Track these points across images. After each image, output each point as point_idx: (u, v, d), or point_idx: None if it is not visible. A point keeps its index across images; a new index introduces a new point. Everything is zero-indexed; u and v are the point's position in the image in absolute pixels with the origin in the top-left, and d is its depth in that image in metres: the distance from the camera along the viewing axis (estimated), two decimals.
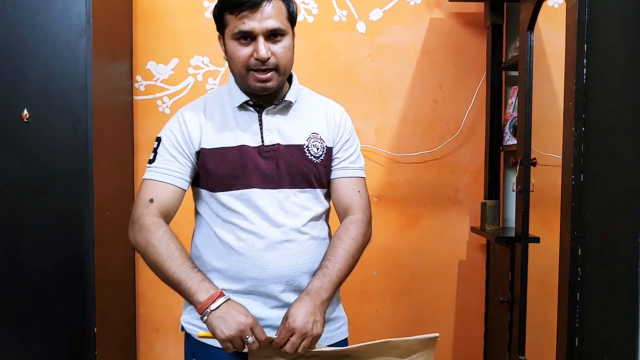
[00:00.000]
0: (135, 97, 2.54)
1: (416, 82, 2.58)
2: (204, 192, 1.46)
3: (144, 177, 1.43)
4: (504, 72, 2.49)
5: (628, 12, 1.46)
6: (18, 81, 2.02)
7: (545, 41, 2.53)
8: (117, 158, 2.38)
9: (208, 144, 1.42)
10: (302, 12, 2.52)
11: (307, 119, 1.48)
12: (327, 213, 1.54)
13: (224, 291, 1.32)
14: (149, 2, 2.52)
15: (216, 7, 1.39)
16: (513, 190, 2.32)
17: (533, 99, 2.05)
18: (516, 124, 2.26)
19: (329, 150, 1.48)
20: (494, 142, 2.46)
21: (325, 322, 1.34)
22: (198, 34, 2.53)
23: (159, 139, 1.45)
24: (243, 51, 1.35)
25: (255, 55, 1.34)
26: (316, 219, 1.47)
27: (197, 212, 1.53)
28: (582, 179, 1.46)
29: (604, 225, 1.48)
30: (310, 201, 1.46)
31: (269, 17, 1.32)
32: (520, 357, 2.08)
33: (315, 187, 1.46)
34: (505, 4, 2.42)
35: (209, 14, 2.53)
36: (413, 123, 2.58)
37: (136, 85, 2.54)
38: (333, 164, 1.50)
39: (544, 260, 2.32)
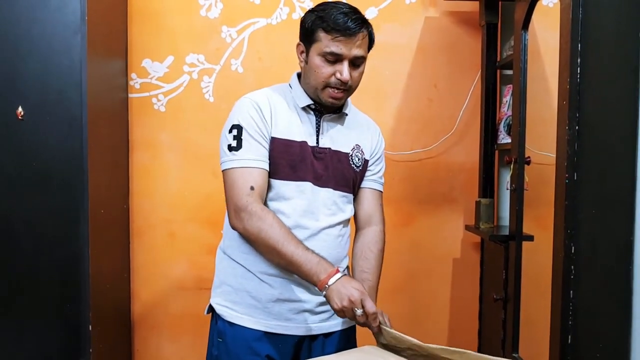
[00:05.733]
0: (130, 95, 2.54)
1: (411, 81, 2.58)
2: None
3: (233, 167, 1.47)
4: (498, 71, 2.50)
5: (621, 11, 1.47)
6: (13, 78, 2.01)
7: (540, 40, 2.53)
8: (112, 156, 2.37)
9: (276, 134, 1.51)
10: (298, 10, 2.52)
11: (354, 131, 1.63)
12: (350, 221, 1.67)
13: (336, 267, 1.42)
14: None
15: (310, 20, 1.48)
16: (507, 189, 2.32)
17: (527, 97, 2.06)
18: (511, 122, 2.27)
19: (366, 162, 1.64)
20: (488, 140, 2.47)
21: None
22: (193, 31, 2.53)
23: (238, 127, 1.49)
24: (327, 69, 1.47)
25: (338, 75, 1.47)
26: (345, 222, 1.62)
27: None
28: (575, 178, 1.47)
29: (598, 223, 1.49)
30: (345, 204, 1.60)
31: (359, 46, 1.46)
32: (514, 355, 2.09)
33: (351, 192, 1.62)
34: (500, 3, 2.43)
35: (204, 12, 2.52)
36: (408, 121, 2.59)
37: (131, 82, 2.54)
38: (366, 174, 1.65)
39: (538, 258, 2.33)
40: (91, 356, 2.08)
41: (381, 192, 1.69)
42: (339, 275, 1.38)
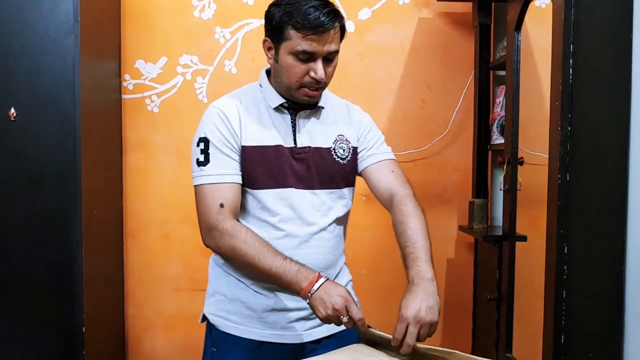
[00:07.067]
0: (123, 96, 2.53)
1: (405, 82, 2.59)
2: (243, 189, 1.47)
3: (202, 182, 1.41)
4: (491, 72, 2.51)
5: (613, 12, 1.47)
6: (5, 79, 2.00)
7: (533, 41, 2.54)
8: (105, 157, 2.36)
9: (248, 142, 1.44)
10: None
11: (333, 122, 1.54)
12: (348, 215, 1.59)
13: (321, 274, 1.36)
14: (137, 0, 2.51)
15: (277, 15, 1.37)
16: (501, 189, 2.33)
17: (520, 98, 2.07)
18: (504, 123, 2.27)
19: (354, 150, 1.55)
20: (481, 141, 2.47)
21: (437, 303, 1.31)
22: (187, 32, 2.53)
23: (205, 140, 1.43)
24: (300, 67, 1.38)
25: (312, 74, 1.38)
26: (339, 220, 1.54)
27: None
28: (568, 178, 1.48)
29: (590, 223, 1.50)
30: (335, 201, 1.52)
31: (331, 41, 1.37)
32: (507, 355, 2.10)
33: (341, 187, 1.53)
34: (493, 4, 2.44)
35: (197, 13, 2.52)
36: (401, 122, 2.59)
37: (124, 84, 2.53)
38: (359, 157, 1.56)
39: (531, 258, 2.34)
40: (85, 358, 2.07)
41: (388, 159, 1.57)
42: (321, 281, 1.32)
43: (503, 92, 2.40)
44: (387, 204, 1.52)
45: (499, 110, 2.41)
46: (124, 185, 2.55)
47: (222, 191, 1.40)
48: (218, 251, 1.43)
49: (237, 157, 1.43)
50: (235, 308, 1.50)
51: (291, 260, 1.36)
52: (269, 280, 1.38)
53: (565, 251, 1.49)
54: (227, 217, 1.39)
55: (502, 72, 2.41)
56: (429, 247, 1.39)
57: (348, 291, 1.33)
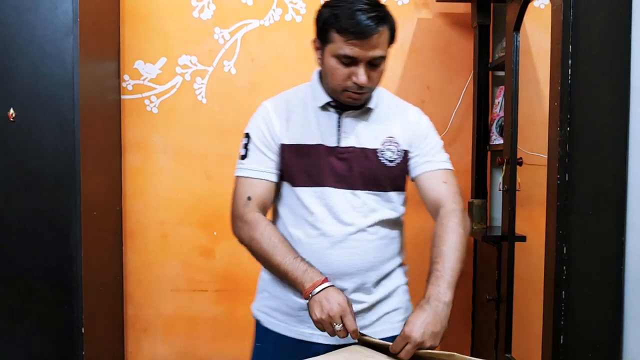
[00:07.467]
0: (122, 97, 2.53)
1: (404, 82, 2.59)
2: (285, 185, 1.50)
3: (238, 174, 1.49)
4: (490, 72, 2.51)
5: (612, 12, 1.48)
6: (4, 80, 2.00)
7: (532, 41, 2.54)
8: (104, 157, 2.36)
9: (288, 140, 1.46)
10: (290, 12, 2.52)
11: (384, 123, 1.50)
12: (400, 219, 1.54)
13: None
14: (136, 0, 2.51)
15: (323, 17, 1.36)
16: (500, 190, 2.33)
17: (519, 98, 2.07)
18: (503, 123, 2.27)
19: (405, 153, 1.49)
20: (481, 141, 2.48)
21: (444, 329, 1.34)
22: (186, 33, 2.52)
23: (247, 135, 1.50)
24: (343, 71, 1.37)
25: (354, 79, 1.36)
26: (386, 223, 1.49)
27: (274, 204, 1.56)
28: (567, 179, 1.48)
29: (589, 224, 1.50)
30: (379, 204, 1.48)
31: (375, 46, 1.34)
32: (507, 355, 2.10)
33: (386, 191, 1.48)
34: (492, 4, 2.44)
35: (197, 13, 2.52)
36: None
37: (124, 84, 2.53)
38: (412, 162, 1.51)
39: (531, 258, 2.34)
40: (84, 358, 2.07)
41: (443, 169, 1.51)
42: (324, 285, 1.33)
43: (502, 93, 2.40)
44: (434, 215, 1.49)
45: (498, 110, 2.41)
46: (123, 186, 2.54)
47: (253, 185, 1.46)
48: (240, 240, 1.47)
49: (273, 156, 1.47)
50: (278, 305, 1.52)
51: (302, 259, 1.38)
52: (279, 276, 1.42)
53: (565, 251, 1.49)
54: (253, 209, 1.44)
55: (501, 73, 2.41)
56: (457, 269, 1.38)
57: (349, 301, 1.33)
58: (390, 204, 1.50)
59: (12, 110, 2.00)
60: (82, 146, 2.04)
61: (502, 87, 2.40)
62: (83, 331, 2.06)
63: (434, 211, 1.49)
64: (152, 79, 2.54)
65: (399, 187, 1.51)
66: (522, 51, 2.11)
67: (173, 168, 2.56)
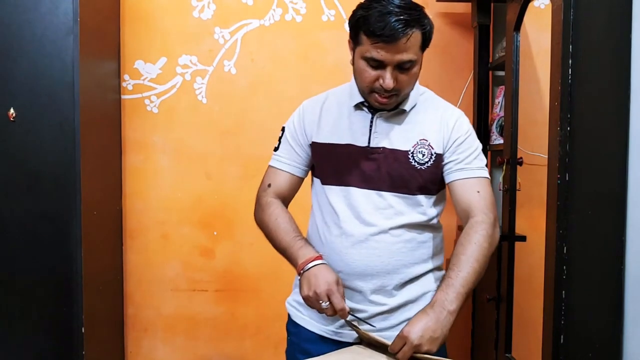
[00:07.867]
0: (122, 96, 2.53)
1: None
2: (317, 182, 1.55)
3: (270, 163, 1.58)
4: (490, 72, 2.51)
5: (613, 12, 1.48)
6: (4, 80, 2.00)
7: (532, 41, 2.54)
8: (104, 157, 2.36)
9: (319, 139, 1.50)
10: (291, 12, 2.52)
11: (418, 125, 1.47)
12: (432, 223, 1.50)
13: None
14: (136, 0, 2.51)
15: (355, 18, 1.35)
16: (500, 190, 2.33)
17: (520, 98, 2.07)
18: (503, 123, 2.27)
19: (438, 157, 1.45)
20: (481, 141, 2.46)
21: (444, 336, 1.31)
22: (186, 33, 2.53)
23: (284, 129, 1.58)
24: (370, 73, 1.36)
25: (380, 82, 1.35)
26: (412, 226, 1.46)
27: (312, 200, 1.61)
28: (567, 179, 1.48)
29: (589, 223, 1.50)
30: (406, 207, 1.45)
31: (403, 50, 1.32)
32: (507, 355, 2.10)
33: (414, 194, 1.45)
34: (492, 4, 2.44)
35: (197, 13, 2.52)
36: None
37: (124, 84, 2.53)
38: (446, 168, 1.46)
39: (531, 258, 2.33)
40: (84, 358, 2.07)
41: (477, 177, 1.46)
42: (316, 262, 1.36)
43: (502, 93, 2.40)
44: (463, 223, 1.46)
45: (498, 110, 2.41)
46: (123, 186, 2.55)
47: (276, 175, 1.55)
48: (256, 221, 1.56)
49: (302, 152, 1.54)
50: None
51: (301, 238, 1.45)
52: (282, 253, 1.47)
53: (565, 251, 1.49)
54: (269, 195, 1.54)
55: (502, 73, 2.41)
56: (471, 281, 1.34)
57: (339, 281, 1.36)
58: (418, 207, 1.46)
59: (12, 110, 2.00)
60: (82, 146, 2.04)
61: (502, 87, 2.40)
62: (83, 331, 2.06)
63: (464, 220, 1.45)
64: (152, 79, 2.54)
65: (428, 190, 1.47)
66: (522, 51, 2.11)
67: (173, 168, 2.56)
